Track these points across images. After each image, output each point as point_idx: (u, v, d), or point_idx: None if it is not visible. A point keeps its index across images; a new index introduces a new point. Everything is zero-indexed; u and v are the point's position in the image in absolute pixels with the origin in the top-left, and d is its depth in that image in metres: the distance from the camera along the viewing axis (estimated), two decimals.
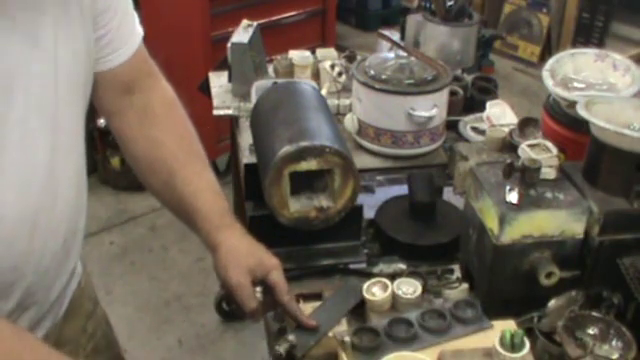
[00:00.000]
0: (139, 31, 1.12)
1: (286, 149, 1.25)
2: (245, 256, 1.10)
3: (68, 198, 0.99)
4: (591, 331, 1.03)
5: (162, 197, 1.18)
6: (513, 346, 0.96)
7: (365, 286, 1.17)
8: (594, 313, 1.06)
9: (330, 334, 1.09)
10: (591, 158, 1.19)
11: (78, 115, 1.00)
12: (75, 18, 0.95)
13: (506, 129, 1.46)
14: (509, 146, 1.39)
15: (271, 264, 1.12)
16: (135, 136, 1.16)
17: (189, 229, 1.18)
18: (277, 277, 1.11)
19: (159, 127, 1.16)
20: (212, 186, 1.16)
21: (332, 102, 1.89)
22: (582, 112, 1.16)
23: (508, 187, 1.13)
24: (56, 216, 0.97)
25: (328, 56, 2.11)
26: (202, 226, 1.13)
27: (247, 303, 1.09)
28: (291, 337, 1.05)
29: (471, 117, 1.84)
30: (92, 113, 1.14)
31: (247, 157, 1.69)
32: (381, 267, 1.37)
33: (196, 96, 2.29)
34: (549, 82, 1.41)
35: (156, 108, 1.17)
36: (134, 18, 1.11)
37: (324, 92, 1.92)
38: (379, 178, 1.72)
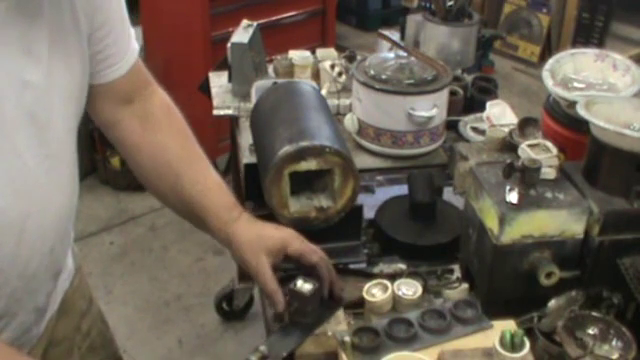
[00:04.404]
0: (135, 46, 1.13)
1: (286, 149, 1.25)
2: (257, 242, 1.11)
3: (59, 205, 1.00)
4: (591, 331, 1.03)
5: (169, 201, 1.19)
6: (513, 346, 0.96)
7: (365, 288, 1.17)
8: (594, 313, 1.06)
9: (329, 333, 1.09)
10: (591, 158, 1.19)
11: (71, 126, 1.01)
12: (70, 33, 0.96)
13: (506, 129, 1.46)
14: (509, 146, 1.39)
15: (285, 238, 1.12)
16: (138, 143, 1.16)
17: (190, 229, 1.19)
18: (297, 246, 1.11)
19: (161, 132, 1.17)
20: (217, 183, 1.17)
21: (332, 102, 1.88)
22: (582, 112, 1.16)
23: (508, 187, 1.13)
24: (46, 222, 0.97)
25: (328, 56, 2.11)
26: (212, 224, 1.15)
27: (266, 286, 1.09)
28: (262, 348, 1.03)
29: (471, 117, 1.84)
30: None
31: (247, 157, 1.69)
32: (381, 267, 1.37)
33: (196, 96, 2.29)
34: (549, 82, 1.41)
35: (156, 113, 1.18)
36: (130, 34, 1.12)
37: (324, 92, 1.92)
38: (379, 178, 1.72)
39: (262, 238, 1.11)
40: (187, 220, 1.20)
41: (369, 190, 1.68)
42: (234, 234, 1.12)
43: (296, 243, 1.12)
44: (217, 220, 1.14)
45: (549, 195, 1.14)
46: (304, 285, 1.07)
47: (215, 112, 2.03)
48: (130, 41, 1.11)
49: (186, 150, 1.18)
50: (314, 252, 1.12)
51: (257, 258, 1.10)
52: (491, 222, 1.13)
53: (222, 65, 2.17)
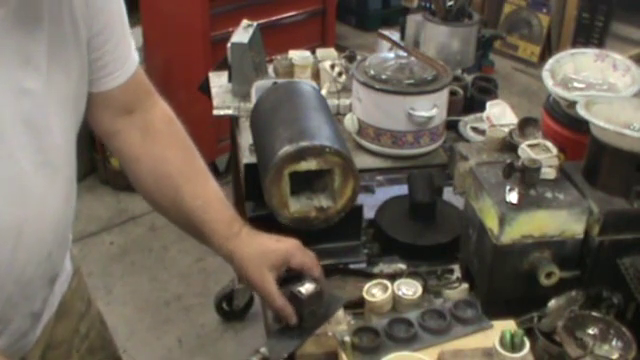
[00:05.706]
0: (135, 57, 1.12)
1: (286, 149, 1.25)
2: (260, 258, 1.10)
3: (56, 211, 0.99)
4: (591, 331, 1.03)
5: (169, 213, 1.18)
6: (513, 346, 0.96)
7: (365, 288, 1.17)
8: (594, 313, 1.06)
9: (330, 334, 1.09)
10: (591, 158, 1.19)
11: (70, 132, 1.01)
12: (69, 39, 0.96)
13: (506, 129, 1.46)
14: (509, 146, 1.39)
15: (288, 250, 1.12)
16: (138, 154, 1.15)
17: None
18: (299, 259, 1.11)
19: (162, 144, 1.16)
20: (218, 197, 1.16)
21: (332, 102, 1.88)
22: (582, 112, 1.16)
23: (508, 187, 1.13)
24: (43, 228, 0.97)
25: (328, 56, 2.11)
26: (212, 239, 1.14)
27: (271, 303, 1.09)
28: (263, 349, 1.04)
29: (471, 117, 1.84)
30: None
31: (247, 157, 1.69)
32: (381, 267, 1.37)
33: (196, 96, 2.29)
34: (549, 82, 1.41)
35: (157, 125, 1.17)
36: (131, 44, 1.11)
37: (324, 92, 1.92)
38: (379, 178, 1.72)
39: (265, 253, 1.11)
40: (187, 233, 1.19)
41: (369, 190, 1.68)
42: (235, 250, 1.12)
43: (298, 255, 1.12)
44: (217, 236, 1.13)
45: (549, 195, 1.14)
46: (304, 287, 1.07)
47: (215, 112, 2.03)
48: (130, 51, 1.11)
49: (187, 163, 1.17)
50: (316, 266, 1.12)
51: (262, 275, 1.09)
52: (491, 222, 1.13)
53: (222, 65, 2.17)
